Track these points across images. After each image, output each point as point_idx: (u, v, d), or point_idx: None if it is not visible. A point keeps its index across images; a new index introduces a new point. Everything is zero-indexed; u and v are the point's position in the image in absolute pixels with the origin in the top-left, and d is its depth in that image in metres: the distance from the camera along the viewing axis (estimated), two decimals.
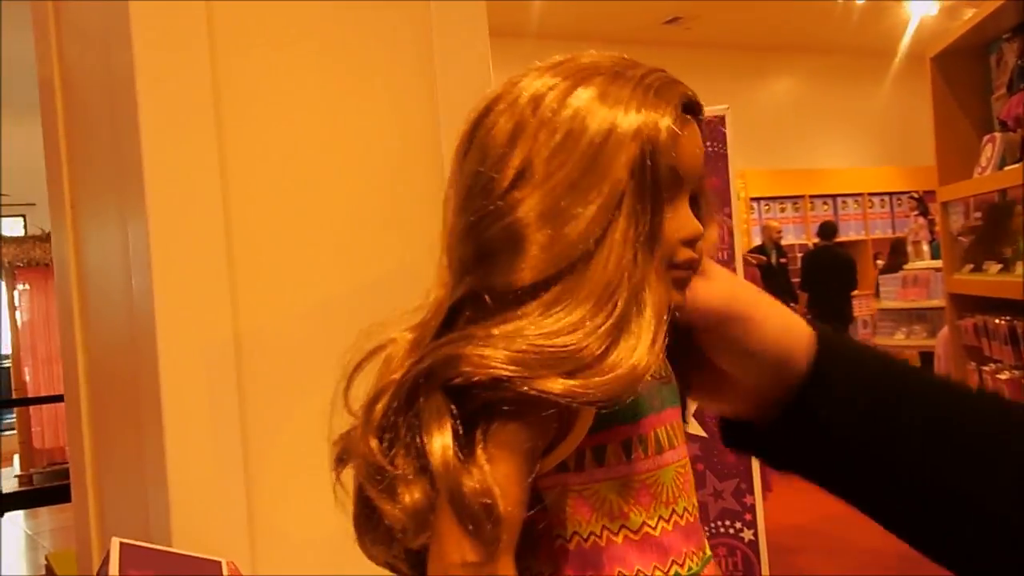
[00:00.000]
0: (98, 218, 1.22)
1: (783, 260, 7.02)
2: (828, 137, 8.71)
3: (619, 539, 0.48)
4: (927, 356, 4.49)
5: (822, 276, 5.94)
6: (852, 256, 6.94)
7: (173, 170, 0.95)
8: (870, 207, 8.38)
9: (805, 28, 7.56)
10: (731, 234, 1.36)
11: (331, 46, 1.01)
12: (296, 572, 0.70)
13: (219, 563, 0.85)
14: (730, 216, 1.36)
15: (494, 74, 1.08)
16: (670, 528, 0.49)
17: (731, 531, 1.61)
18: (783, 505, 3.46)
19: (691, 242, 0.49)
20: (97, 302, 1.23)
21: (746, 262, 3.10)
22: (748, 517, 1.64)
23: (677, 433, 0.52)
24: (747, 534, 1.63)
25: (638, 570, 0.47)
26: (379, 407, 0.46)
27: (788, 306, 0.54)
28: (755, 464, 1.44)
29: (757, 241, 7.97)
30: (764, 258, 3.33)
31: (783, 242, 7.48)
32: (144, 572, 0.78)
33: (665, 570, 0.48)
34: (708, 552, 0.51)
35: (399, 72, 1.04)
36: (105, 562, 0.79)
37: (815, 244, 6.39)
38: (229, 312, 0.96)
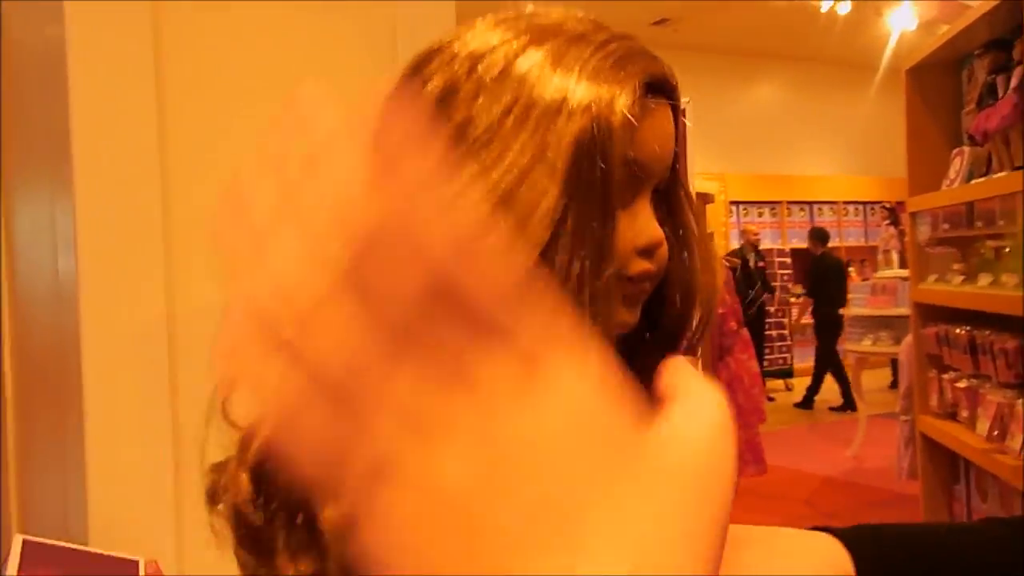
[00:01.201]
0: (27, 194, 1.19)
1: (761, 264, 7.07)
2: (807, 144, 8.82)
3: None
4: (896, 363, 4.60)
5: (825, 282, 5.96)
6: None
7: (105, 145, 0.92)
8: (845, 215, 8.50)
9: (791, 36, 7.63)
10: None
11: (285, 36, 1.01)
12: (228, 574, 0.68)
13: (136, 562, 0.83)
14: None
15: None
16: None
17: None
18: (747, 508, 3.51)
19: (649, 251, 0.41)
20: (24, 284, 1.21)
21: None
22: None
23: None
24: None
25: None
26: (256, 442, 0.35)
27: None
28: None
29: (735, 244, 8.06)
30: (738, 260, 3.37)
31: (760, 246, 7.57)
32: (49, 571, 0.73)
33: None
34: None
35: (359, 70, 1.04)
36: (4, 561, 0.75)
37: (820, 250, 6.39)
38: (162, 299, 0.94)
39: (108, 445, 0.92)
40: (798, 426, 5.88)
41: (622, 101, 0.38)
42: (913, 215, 2.46)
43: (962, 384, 2.12)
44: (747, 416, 3.01)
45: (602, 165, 0.38)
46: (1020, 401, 1.77)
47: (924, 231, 2.44)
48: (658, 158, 0.41)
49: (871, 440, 4.64)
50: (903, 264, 4.38)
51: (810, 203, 8.61)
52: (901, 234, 5.17)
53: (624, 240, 0.40)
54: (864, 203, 8.75)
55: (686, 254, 0.45)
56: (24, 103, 1.10)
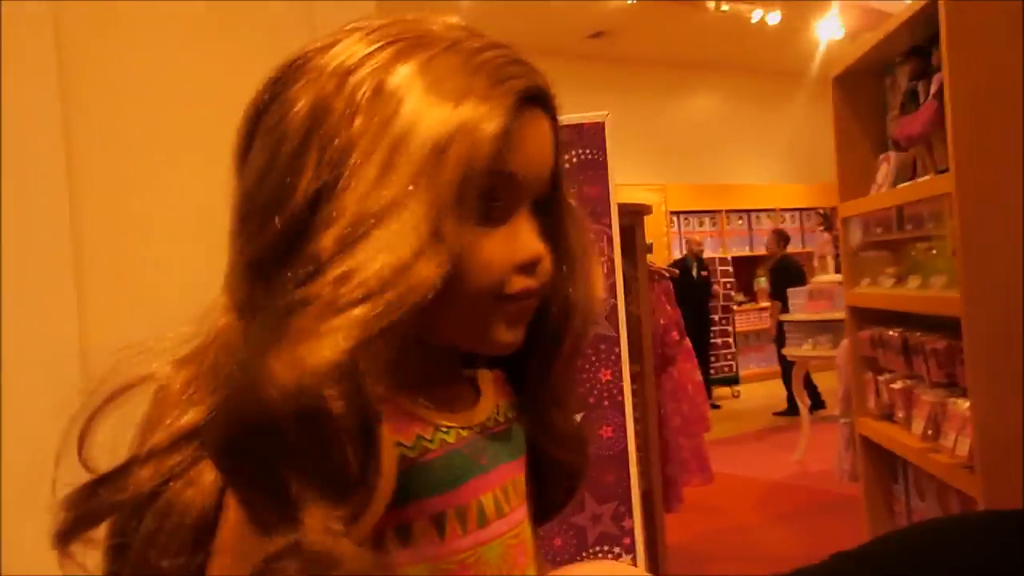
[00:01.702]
0: None
1: (704, 273, 7.11)
2: (744, 153, 9.03)
3: None
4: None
5: (788, 284, 6.01)
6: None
7: (18, 174, 0.89)
8: (782, 222, 8.70)
9: (724, 46, 7.80)
10: (610, 244, 1.36)
11: (197, 41, 0.97)
12: None
13: None
14: (609, 227, 1.37)
15: None
16: None
17: (609, 556, 1.62)
18: (696, 516, 3.53)
19: (528, 267, 0.40)
20: None
21: (659, 275, 3.16)
22: (627, 541, 1.64)
23: (512, 494, 0.43)
24: (626, 560, 1.64)
25: None
26: (144, 474, 0.35)
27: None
28: (634, 486, 1.44)
29: (677, 254, 8.17)
30: (676, 271, 3.39)
31: (704, 255, 7.68)
32: None
33: None
34: None
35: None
36: None
37: (781, 253, 6.47)
38: (75, 323, 0.91)
39: (21, 480, 0.88)
40: (745, 433, 5.96)
41: (494, 121, 0.37)
42: (844, 220, 2.50)
43: (897, 385, 2.15)
44: (692, 425, 3.02)
45: (473, 180, 0.37)
46: (951, 400, 1.80)
47: (856, 236, 2.48)
48: (535, 172, 0.41)
49: (816, 444, 4.72)
50: (839, 269, 4.48)
51: (748, 211, 8.80)
52: (835, 239, 5.30)
53: (503, 257, 0.40)
54: (800, 210, 8.98)
55: (565, 267, 0.45)
56: None
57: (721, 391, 7.25)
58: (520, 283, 0.40)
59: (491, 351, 0.42)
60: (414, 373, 0.40)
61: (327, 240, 0.34)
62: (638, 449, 2.78)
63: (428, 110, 0.36)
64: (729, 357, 7.62)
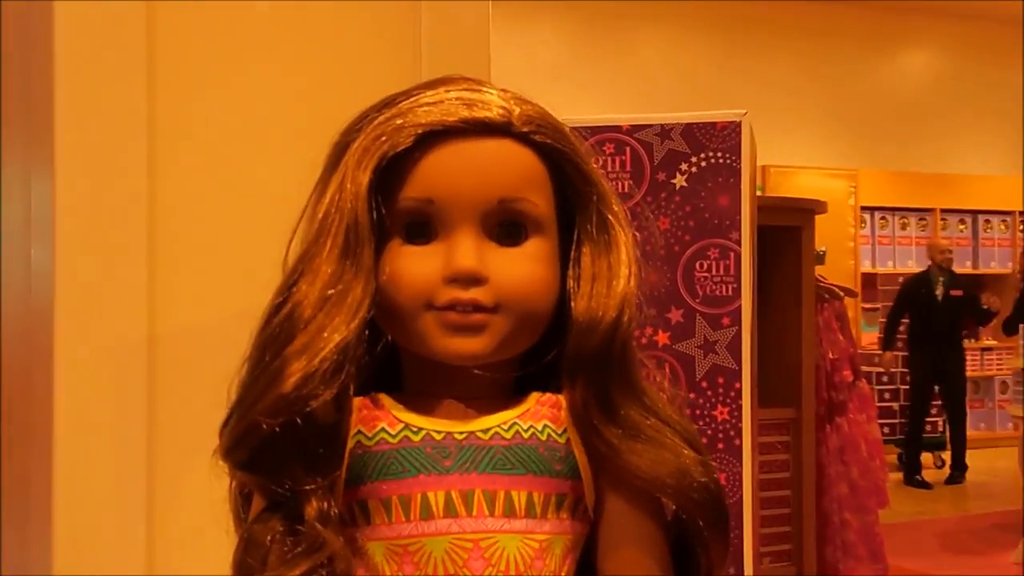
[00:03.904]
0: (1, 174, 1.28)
1: (956, 293, 6.33)
2: (969, 133, 8.69)
3: None
4: None
5: None
6: None
7: (92, 121, 1.01)
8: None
9: None
10: (738, 263, 1.44)
11: (293, 33, 1.11)
12: None
13: None
14: (738, 243, 1.44)
15: (494, 37, 1.17)
16: None
17: None
18: None
19: (456, 280, 0.60)
20: None
21: (830, 293, 3.14)
22: None
23: (482, 503, 0.60)
24: None
25: None
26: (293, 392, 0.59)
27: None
28: (748, 549, 1.50)
29: (867, 264, 7.96)
30: (854, 291, 3.35)
31: (908, 267, 7.30)
32: None
33: None
34: None
35: (377, 72, 1.13)
36: None
37: None
38: (144, 301, 1.03)
39: (77, 464, 1.02)
40: (948, 518, 5.78)
41: (361, 176, 0.60)
42: None
43: None
44: (863, 498, 3.00)
45: (372, 213, 0.60)
46: None
47: None
48: (465, 195, 0.61)
49: None
50: None
51: (974, 212, 8.48)
52: None
53: (430, 271, 0.61)
54: None
55: (577, 285, 0.64)
56: (2, 68, 1.22)
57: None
58: (448, 294, 0.60)
59: (447, 360, 0.61)
60: (410, 379, 0.64)
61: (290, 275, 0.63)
62: (788, 523, 2.80)
63: (342, 163, 0.63)
64: (933, 411, 7.36)
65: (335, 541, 0.56)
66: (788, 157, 7.58)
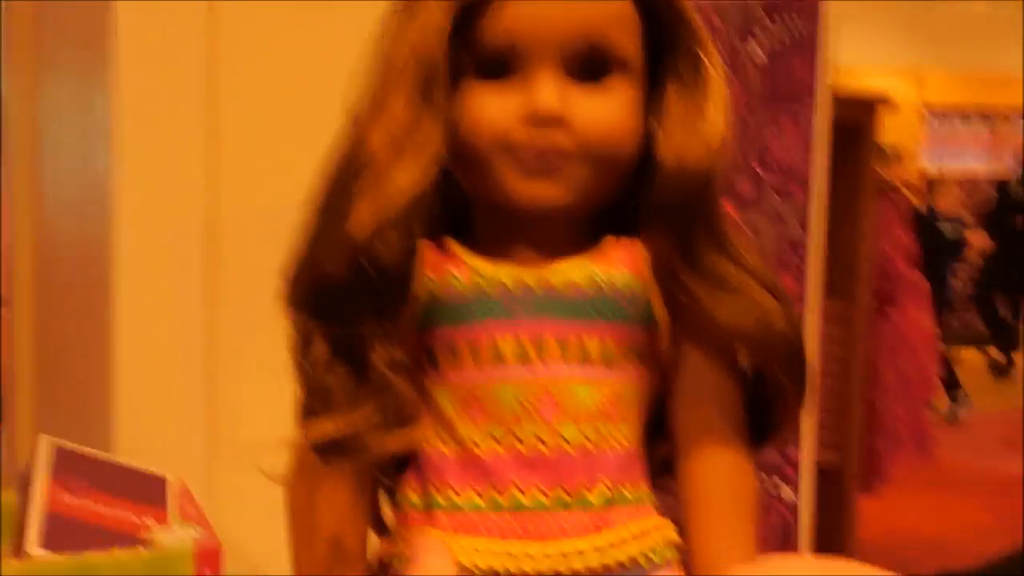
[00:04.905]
0: (56, 75, 1.29)
1: None
2: None
3: (447, 451, 0.58)
4: None
5: None
6: None
7: (151, 25, 1.01)
8: None
9: None
10: (811, 132, 1.41)
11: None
12: (260, 500, 0.78)
13: (163, 479, 0.94)
14: (812, 111, 1.41)
15: None
16: (502, 451, 0.57)
17: (767, 488, 1.68)
18: (903, 504, 3.55)
19: (532, 119, 0.56)
20: (51, 185, 1.33)
21: (892, 189, 3.11)
22: (789, 472, 1.71)
23: (553, 349, 0.58)
24: (786, 492, 1.69)
25: (451, 488, 0.57)
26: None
27: None
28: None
29: (928, 166, 7.78)
30: (917, 186, 3.29)
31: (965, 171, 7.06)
32: (76, 480, 0.85)
33: (481, 493, 0.57)
34: (569, 497, 0.57)
35: None
36: (30, 465, 0.86)
37: None
38: (202, 202, 1.05)
39: (137, 361, 1.07)
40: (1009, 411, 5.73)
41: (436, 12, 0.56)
42: None
43: None
44: (913, 389, 3.03)
45: (438, 61, 0.56)
46: None
47: None
48: (542, 33, 0.57)
49: None
50: None
51: None
52: None
53: (506, 110, 0.57)
54: None
55: (661, 128, 0.60)
56: None
57: (970, 354, 6.85)
58: (526, 136, 0.56)
59: (523, 205, 0.58)
60: (482, 227, 0.62)
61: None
62: (831, 411, 2.84)
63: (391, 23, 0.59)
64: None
65: (402, 384, 0.55)
66: (851, 57, 7.39)
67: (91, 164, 1.14)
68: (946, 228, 5.89)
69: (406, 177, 0.54)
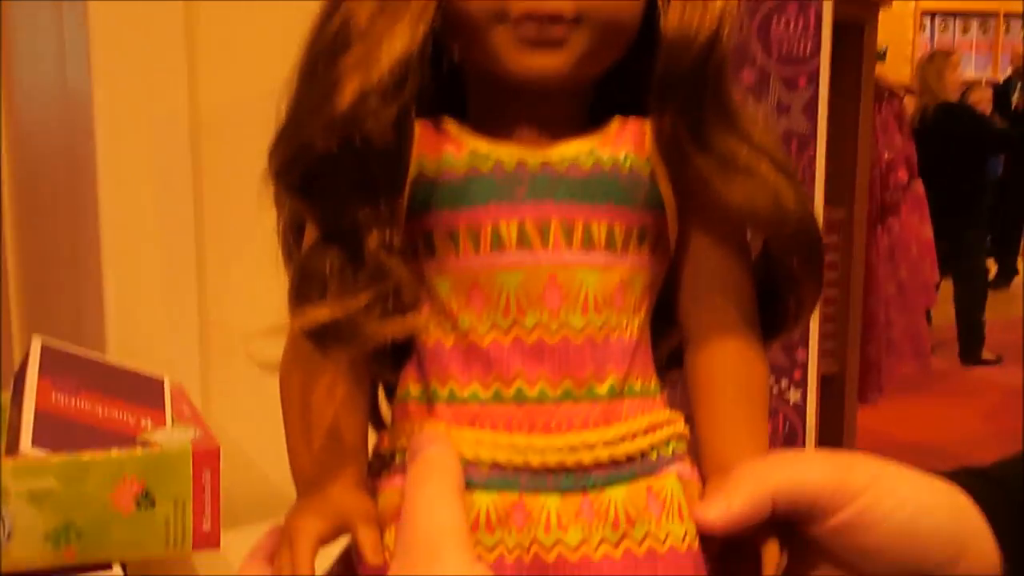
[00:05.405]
0: None
1: None
2: None
3: (448, 341, 0.54)
4: None
5: None
6: None
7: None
8: None
9: None
10: (818, 19, 1.35)
11: None
12: (255, 398, 0.78)
13: (160, 381, 0.93)
14: (815, 18, 1.35)
15: None
16: (506, 342, 0.54)
17: (774, 391, 1.69)
18: (899, 413, 3.57)
19: None
20: (26, 98, 1.32)
21: (889, 92, 3.04)
22: (797, 375, 1.71)
23: (558, 233, 0.55)
24: (793, 395, 1.70)
25: (453, 380, 0.54)
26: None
27: None
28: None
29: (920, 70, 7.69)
30: (912, 88, 3.23)
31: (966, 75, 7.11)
32: (69, 379, 0.83)
33: (485, 385, 0.54)
34: (576, 389, 0.54)
35: None
36: (24, 365, 0.85)
37: None
38: (186, 105, 1.04)
39: (126, 262, 1.06)
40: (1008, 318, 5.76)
41: None
42: None
43: None
44: (911, 295, 3.02)
45: None
46: None
47: None
48: None
49: None
50: None
51: None
52: None
53: None
54: None
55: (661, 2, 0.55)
56: None
57: None
58: (525, 4, 0.52)
59: (522, 78, 0.54)
60: (478, 103, 0.57)
61: None
62: (832, 320, 2.83)
63: None
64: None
65: (400, 269, 0.52)
66: None
67: (69, 76, 1.13)
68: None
69: (396, 44, 0.50)
